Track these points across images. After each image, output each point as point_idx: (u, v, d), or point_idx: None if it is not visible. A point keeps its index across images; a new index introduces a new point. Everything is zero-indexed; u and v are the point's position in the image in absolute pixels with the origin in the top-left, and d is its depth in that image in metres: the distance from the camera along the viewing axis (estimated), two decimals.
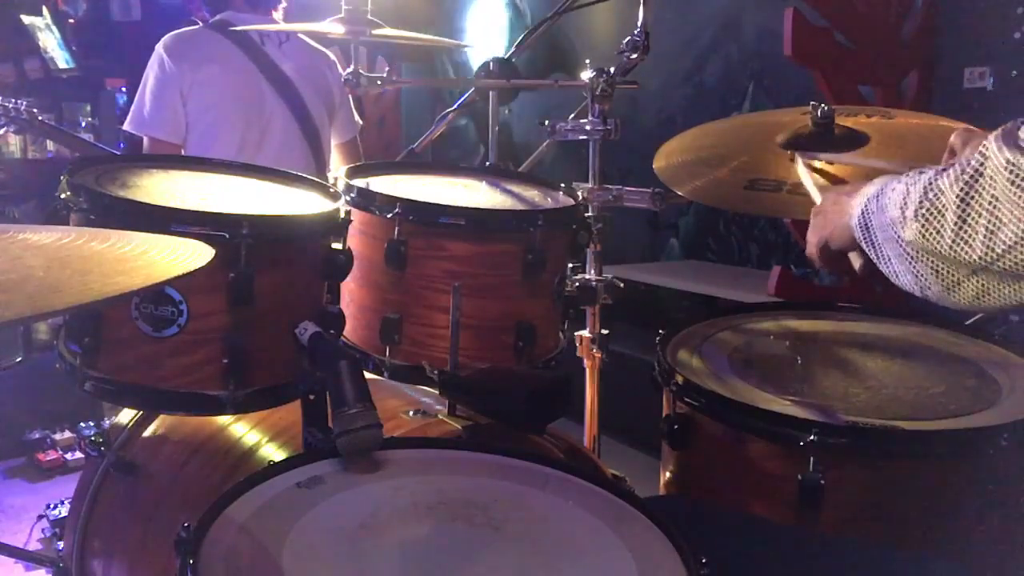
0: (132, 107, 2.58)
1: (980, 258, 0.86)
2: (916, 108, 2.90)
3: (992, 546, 1.27)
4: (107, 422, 3.15)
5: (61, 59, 5.21)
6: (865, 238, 1.03)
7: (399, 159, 2.13)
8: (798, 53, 2.92)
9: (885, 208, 0.98)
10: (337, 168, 2.73)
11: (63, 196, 1.21)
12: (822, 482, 1.25)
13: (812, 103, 1.62)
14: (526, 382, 1.31)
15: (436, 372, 1.35)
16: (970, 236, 0.86)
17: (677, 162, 1.72)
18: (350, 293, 1.48)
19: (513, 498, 1.04)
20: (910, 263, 0.95)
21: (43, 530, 2.76)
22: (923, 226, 0.91)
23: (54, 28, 5.23)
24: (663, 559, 0.93)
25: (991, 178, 0.85)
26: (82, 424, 3.62)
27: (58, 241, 0.83)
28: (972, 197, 0.86)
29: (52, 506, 2.83)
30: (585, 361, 1.88)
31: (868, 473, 1.30)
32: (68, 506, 1.97)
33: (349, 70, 1.68)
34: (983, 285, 0.89)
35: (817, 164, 1.58)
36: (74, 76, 5.25)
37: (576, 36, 4.77)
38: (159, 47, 2.54)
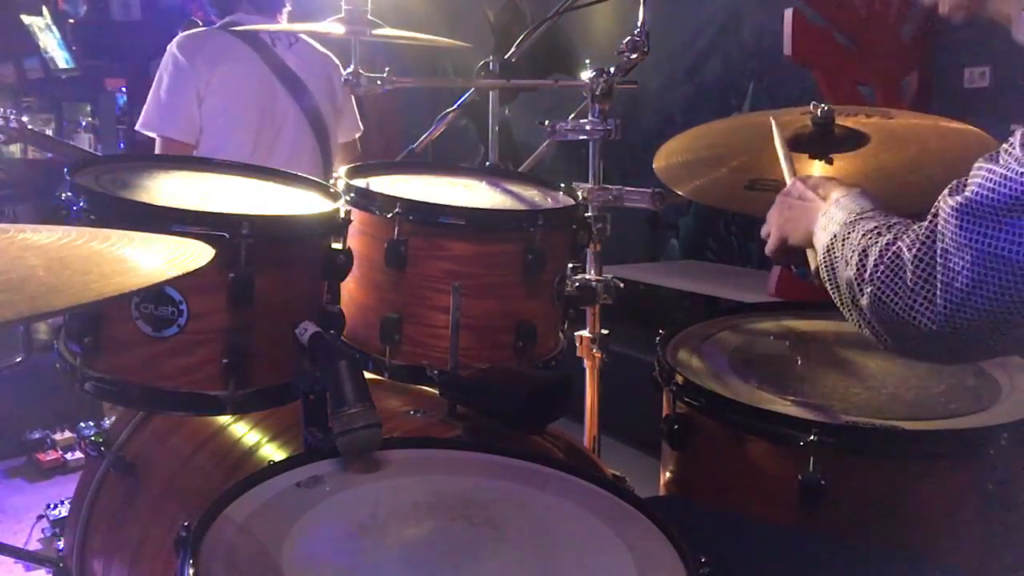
0: (145, 107, 2.55)
1: (943, 310, 0.88)
2: (916, 108, 2.90)
3: (992, 546, 1.27)
4: (107, 422, 3.15)
5: (61, 59, 5.21)
6: (830, 279, 1.06)
7: (399, 159, 2.13)
8: (798, 53, 2.93)
9: (839, 268, 1.02)
10: (337, 167, 2.73)
11: (63, 196, 1.21)
12: (822, 482, 1.25)
13: (812, 103, 1.61)
14: (526, 382, 1.31)
15: (436, 372, 1.35)
16: (929, 295, 0.89)
17: (677, 162, 1.71)
18: (350, 293, 1.48)
19: (513, 498, 1.04)
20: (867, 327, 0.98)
21: (43, 530, 2.76)
22: (878, 288, 0.93)
23: (54, 28, 5.23)
24: (663, 559, 0.93)
25: (942, 232, 0.88)
26: (82, 424, 3.60)
27: (58, 241, 0.82)
28: (930, 255, 0.89)
29: (52, 506, 2.83)
30: (585, 361, 1.87)
31: (868, 473, 1.30)
32: (68, 506, 1.97)
33: (349, 70, 1.68)
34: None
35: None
36: (74, 76, 5.24)
37: (576, 36, 4.76)
38: (173, 47, 2.53)
